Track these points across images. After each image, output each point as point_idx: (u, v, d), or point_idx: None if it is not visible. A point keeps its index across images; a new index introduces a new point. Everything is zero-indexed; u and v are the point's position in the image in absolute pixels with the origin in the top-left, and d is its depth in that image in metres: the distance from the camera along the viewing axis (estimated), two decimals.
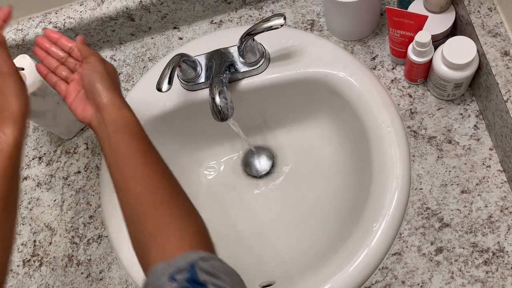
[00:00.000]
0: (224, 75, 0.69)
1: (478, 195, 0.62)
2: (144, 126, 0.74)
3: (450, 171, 0.64)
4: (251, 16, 0.80)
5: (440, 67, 0.61)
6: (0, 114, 0.50)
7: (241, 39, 0.67)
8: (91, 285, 0.69)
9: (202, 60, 0.73)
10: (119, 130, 0.51)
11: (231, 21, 0.81)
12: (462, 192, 0.62)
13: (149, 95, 0.75)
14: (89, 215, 0.74)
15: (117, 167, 0.50)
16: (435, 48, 0.63)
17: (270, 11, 0.79)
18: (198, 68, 0.72)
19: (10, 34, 0.80)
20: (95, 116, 0.54)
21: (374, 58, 0.72)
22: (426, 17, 0.60)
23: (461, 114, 0.66)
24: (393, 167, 0.63)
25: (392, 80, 0.70)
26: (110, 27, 0.80)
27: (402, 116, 0.67)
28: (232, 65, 0.72)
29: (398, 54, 0.68)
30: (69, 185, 0.77)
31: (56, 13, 0.79)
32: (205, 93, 0.73)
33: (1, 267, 0.48)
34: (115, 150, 0.51)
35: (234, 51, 0.72)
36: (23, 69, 0.68)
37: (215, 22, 0.82)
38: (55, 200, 0.76)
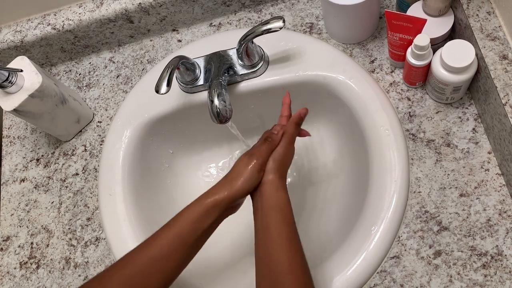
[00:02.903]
0: (223, 77, 0.69)
1: (477, 199, 0.62)
2: (143, 128, 0.75)
3: (448, 174, 0.64)
4: (250, 19, 0.80)
5: (438, 70, 0.61)
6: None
7: (240, 41, 0.67)
8: None
9: (201, 63, 0.73)
10: (272, 210, 0.55)
11: (230, 24, 0.81)
12: (461, 195, 0.62)
13: (147, 97, 0.75)
14: (86, 217, 0.74)
15: (264, 244, 0.54)
16: (434, 52, 0.63)
17: (269, 13, 0.80)
18: (197, 71, 0.72)
19: (9, 36, 0.80)
20: (256, 188, 0.57)
21: (373, 61, 0.72)
22: (425, 21, 0.61)
23: (460, 117, 0.66)
24: (391, 170, 0.63)
25: (391, 83, 0.70)
26: (109, 29, 0.80)
27: (401, 119, 0.67)
28: (231, 67, 0.72)
29: (397, 57, 0.68)
30: (66, 187, 0.76)
31: (55, 15, 0.79)
32: (204, 95, 0.73)
33: None
34: (265, 229, 0.54)
35: (233, 53, 0.72)
36: (21, 70, 0.68)
37: (214, 25, 0.82)
38: (52, 202, 0.76)
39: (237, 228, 0.72)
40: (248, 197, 0.58)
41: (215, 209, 0.54)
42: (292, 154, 0.60)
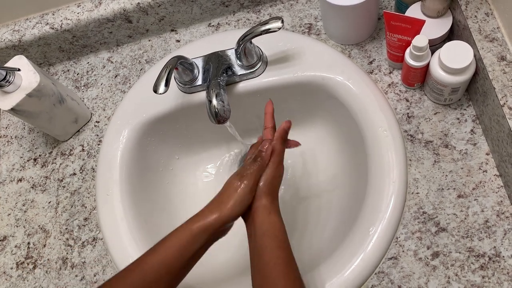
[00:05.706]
0: (222, 77, 0.69)
1: (475, 200, 0.62)
2: (141, 128, 0.75)
3: (446, 175, 0.64)
4: (248, 19, 0.80)
5: (437, 71, 0.61)
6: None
7: (238, 42, 0.67)
8: None
9: (199, 63, 0.73)
10: (265, 236, 0.53)
11: (228, 24, 0.81)
12: (459, 196, 0.62)
13: (146, 97, 0.75)
14: (84, 217, 0.73)
15: (261, 269, 0.52)
16: (432, 53, 0.63)
17: (267, 14, 0.80)
18: (195, 71, 0.72)
19: (7, 35, 0.79)
20: (248, 213, 0.56)
21: (371, 62, 0.72)
22: (423, 22, 0.61)
23: (458, 118, 0.66)
24: (389, 171, 0.63)
25: (389, 84, 0.70)
26: (107, 28, 0.80)
27: (399, 120, 0.68)
28: (229, 68, 0.72)
29: (395, 58, 0.68)
30: (64, 187, 0.76)
31: (53, 14, 0.79)
32: (202, 95, 0.73)
33: None
34: (260, 255, 0.53)
35: (231, 54, 0.72)
36: (19, 69, 0.68)
37: (213, 25, 0.82)
38: (49, 202, 0.76)
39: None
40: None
41: (202, 234, 0.52)
42: (281, 174, 0.58)
